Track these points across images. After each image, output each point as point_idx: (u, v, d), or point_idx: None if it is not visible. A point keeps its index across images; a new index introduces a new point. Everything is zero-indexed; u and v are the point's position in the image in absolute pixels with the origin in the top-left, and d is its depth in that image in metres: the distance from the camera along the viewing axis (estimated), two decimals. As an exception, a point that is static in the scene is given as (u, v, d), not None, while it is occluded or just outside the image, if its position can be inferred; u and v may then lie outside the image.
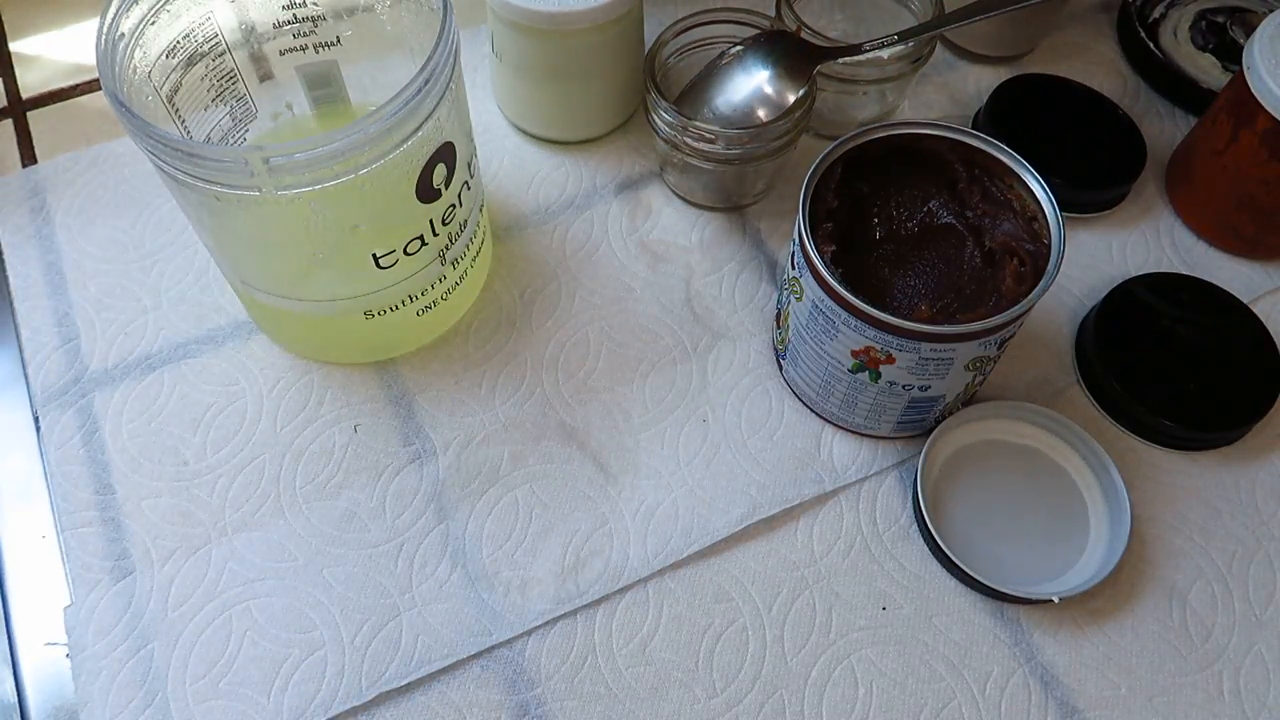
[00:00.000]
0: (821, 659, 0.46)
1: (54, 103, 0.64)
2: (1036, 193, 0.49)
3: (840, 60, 0.54)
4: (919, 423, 0.50)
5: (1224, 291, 0.54)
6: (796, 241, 0.47)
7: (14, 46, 0.66)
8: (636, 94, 0.60)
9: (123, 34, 0.40)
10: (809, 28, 0.55)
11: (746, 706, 0.45)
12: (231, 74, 0.47)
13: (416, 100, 0.39)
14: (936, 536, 0.47)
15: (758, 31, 0.55)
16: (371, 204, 0.42)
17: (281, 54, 0.48)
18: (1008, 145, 0.49)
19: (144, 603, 0.47)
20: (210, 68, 0.45)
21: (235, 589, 0.47)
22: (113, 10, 0.40)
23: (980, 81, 0.64)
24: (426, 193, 0.44)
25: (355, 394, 0.52)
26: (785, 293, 0.50)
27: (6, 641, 0.47)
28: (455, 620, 0.46)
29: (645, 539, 0.48)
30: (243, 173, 0.38)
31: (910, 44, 0.54)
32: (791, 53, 0.53)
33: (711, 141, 0.52)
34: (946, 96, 0.64)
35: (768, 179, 0.58)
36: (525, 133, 0.61)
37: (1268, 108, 0.50)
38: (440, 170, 0.44)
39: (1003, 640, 0.46)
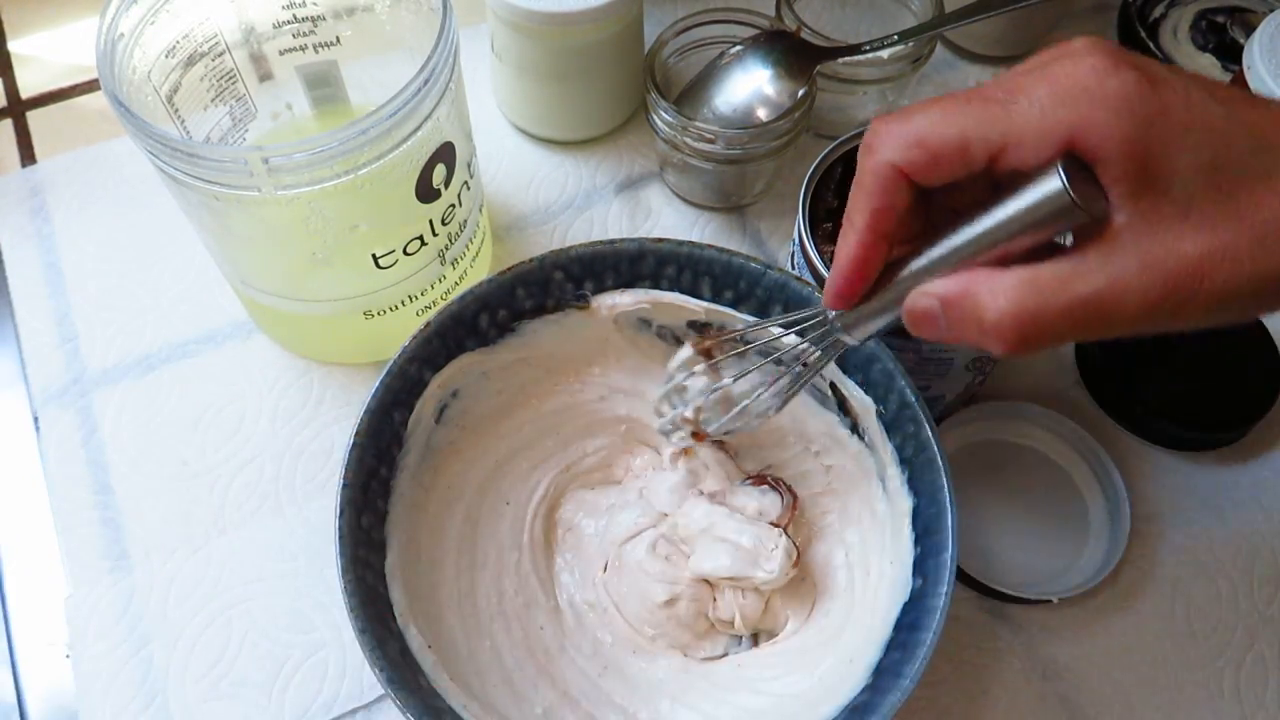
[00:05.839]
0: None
1: (53, 103, 0.64)
2: (1036, 192, 0.49)
3: (840, 60, 0.54)
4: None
5: (1224, 291, 0.54)
6: (796, 241, 0.47)
7: (13, 46, 0.66)
8: (636, 94, 0.60)
9: (122, 34, 0.40)
10: (809, 28, 0.55)
11: None
12: (231, 74, 0.47)
13: (416, 100, 0.39)
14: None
15: (758, 31, 0.55)
16: (371, 204, 0.42)
17: (281, 54, 0.48)
18: (1008, 145, 0.49)
19: (144, 603, 0.46)
20: (210, 68, 0.45)
21: (235, 589, 0.47)
22: (112, 10, 0.40)
23: (980, 81, 0.64)
24: (426, 193, 0.44)
25: (355, 394, 0.52)
26: (785, 293, 0.50)
27: (6, 642, 0.47)
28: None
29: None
30: (242, 173, 0.38)
31: (910, 44, 0.54)
32: (791, 53, 0.53)
33: (711, 141, 0.52)
34: (946, 96, 0.64)
35: (767, 179, 0.58)
36: (525, 133, 0.61)
37: (1268, 107, 0.50)
38: (440, 170, 0.44)
39: (1003, 638, 0.46)
